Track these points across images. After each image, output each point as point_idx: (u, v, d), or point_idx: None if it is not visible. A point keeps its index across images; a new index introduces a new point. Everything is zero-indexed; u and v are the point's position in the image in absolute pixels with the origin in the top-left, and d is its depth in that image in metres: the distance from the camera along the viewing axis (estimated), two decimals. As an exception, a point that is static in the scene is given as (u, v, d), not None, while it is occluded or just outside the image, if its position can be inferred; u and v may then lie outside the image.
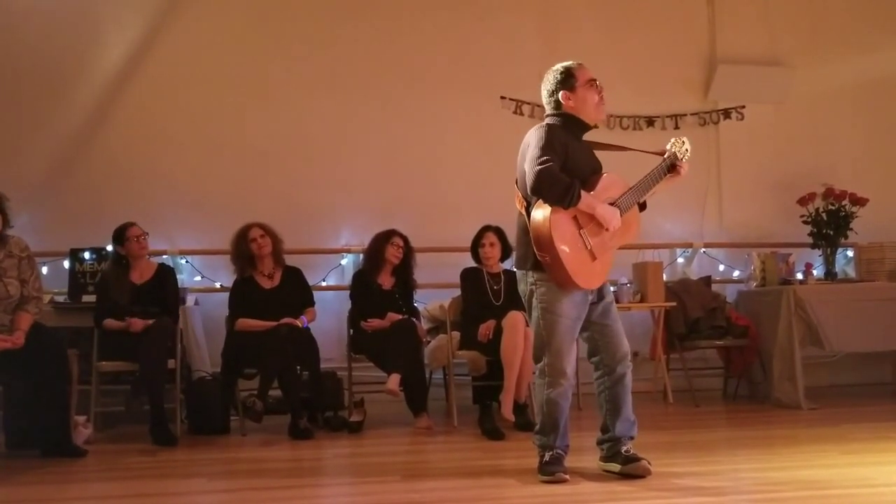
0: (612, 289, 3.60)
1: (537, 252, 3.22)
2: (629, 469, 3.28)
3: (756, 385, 5.74)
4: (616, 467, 3.33)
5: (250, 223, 5.05)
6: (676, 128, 6.29)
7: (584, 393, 5.32)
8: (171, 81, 6.02)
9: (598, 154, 3.50)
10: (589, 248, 3.23)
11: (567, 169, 3.21)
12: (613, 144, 3.63)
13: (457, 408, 4.92)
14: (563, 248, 3.15)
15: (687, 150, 3.44)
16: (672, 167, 3.41)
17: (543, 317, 3.28)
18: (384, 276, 5.13)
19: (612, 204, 3.27)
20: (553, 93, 3.35)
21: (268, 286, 4.99)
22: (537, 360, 3.34)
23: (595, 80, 3.34)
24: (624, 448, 3.33)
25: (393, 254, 5.09)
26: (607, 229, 3.24)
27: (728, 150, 6.55)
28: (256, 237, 4.98)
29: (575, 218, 3.21)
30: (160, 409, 4.40)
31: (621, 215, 3.27)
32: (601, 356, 3.37)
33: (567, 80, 3.32)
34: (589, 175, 3.32)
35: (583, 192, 3.18)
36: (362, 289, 5.10)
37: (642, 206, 3.49)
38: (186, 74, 6.04)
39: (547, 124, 3.32)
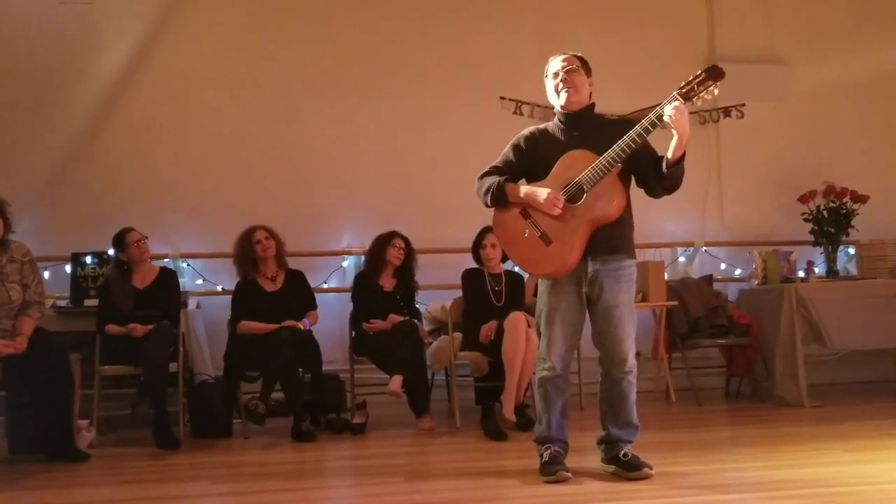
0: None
1: None
2: (626, 476, 3.26)
3: (758, 383, 5.73)
4: (611, 468, 3.34)
5: (254, 226, 5.05)
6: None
7: (587, 393, 5.32)
8: (170, 85, 6.03)
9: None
10: (539, 233, 3.25)
11: (536, 165, 3.33)
12: (625, 116, 3.49)
13: (459, 409, 4.92)
14: (507, 242, 3.39)
15: (699, 82, 3.10)
16: (661, 117, 3.09)
17: (537, 306, 3.41)
18: (385, 278, 5.13)
19: (570, 182, 3.20)
20: None
21: (270, 289, 4.99)
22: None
23: (551, 74, 3.35)
24: (622, 452, 3.31)
25: (394, 255, 5.09)
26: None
27: (728, 149, 6.55)
28: (261, 239, 4.99)
29: (523, 210, 3.31)
30: (163, 413, 4.40)
31: (586, 189, 3.18)
32: (600, 356, 3.38)
33: (545, 77, 3.43)
34: None
35: (511, 186, 3.31)
36: (364, 290, 5.10)
37: (677, 160, 3.13)
38: (186, 78, 6.05)
39: (527, 130, 3.45)
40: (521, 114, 6.21)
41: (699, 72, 3.17)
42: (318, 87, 6.16)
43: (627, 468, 3.27)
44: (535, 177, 3.33)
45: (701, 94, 3.14)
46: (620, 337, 3.28)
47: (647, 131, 3.12)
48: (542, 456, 3.33)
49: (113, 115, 5.98)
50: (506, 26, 6.37)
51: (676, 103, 3.09)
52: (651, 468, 3.27)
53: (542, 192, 3.23)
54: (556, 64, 3.36)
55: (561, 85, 3.32)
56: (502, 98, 6.20)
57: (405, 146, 6.18)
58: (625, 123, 3.23)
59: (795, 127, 6.60)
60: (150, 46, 6.01)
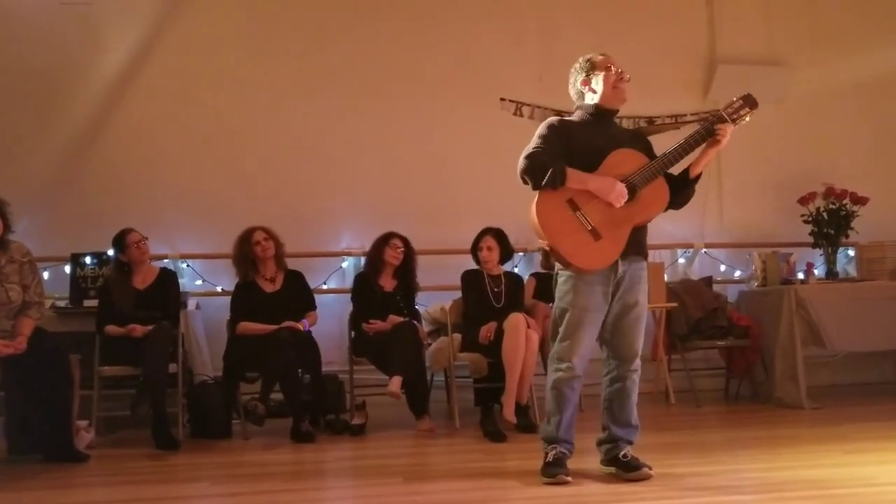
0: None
1: (539, 240, 3.30)
2: (626, 477, 3.25)
3: (758, 385, 5.73)
4: (611, 469, 3.34)
5: (253, 227, 5.05)
6: (676, 129, 6.27)
7: (587, 394, 5.31)
8: (170, 86, 6.03)
9: (662, 139, 3.43)
10: (590, 227, 3.18)
11: (570, 155, 3.21)
12: (661, 124, 3.52)
13: (458, 410, 4.92)
14: (555, 232, 3.17)
15: (739, 108, 3.22)
16: (711, 132, 3.22)
17: (558, 305, 3.31)
18: (385, 279, 5.13)
19: (623, 180, 3.18)
20: (574, 83, 3.38)
21: (270, 290, 4.99)
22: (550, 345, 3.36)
23: (611, 67, 3.30)
24: (622, 453, 3.30)
25: (391, 255, 5.09)
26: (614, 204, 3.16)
27: (728, 150, 6.41)
28: (260, 240, 4.99)
29: (570, 200, 3.18)
30: (162, 414, 4.40)
31: (637, 190, 3.19)
32: (608, 353, 3.37)
33: (587, 69, 3.34)
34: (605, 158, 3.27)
35: (572, 171, 3.15)
36: (363, 291, 5.10)
37: (696, 178, 3.31)
38: (186, 79, 6.05)
39: (554, 117, 3.38)
40: (522, 115, 6.21)
41: (736, 98, 3.28)
42: (317, 87, 6.16)
43: (627, 469, 3.27)
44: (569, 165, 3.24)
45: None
46: (633, 336, 3.30)
47: (698, 143, 3.25)
48: (546, 455, 3.32)
49: (113, 115, 5.98)
50: (506, 28, 6.38)
51: (731, 128, 3.24)
52: (651, 469, 3.27)
53: (611, 182, 3.17)
54: (612, 62, 3.30)
55: (623, 86, 3.30)
56: (502, 99, 6.20)
57: (405, 147, 6.18)
58: (634, 132, 3.32)
59: (795, 128, 6.61)
60: (151, 47, 6.01)
